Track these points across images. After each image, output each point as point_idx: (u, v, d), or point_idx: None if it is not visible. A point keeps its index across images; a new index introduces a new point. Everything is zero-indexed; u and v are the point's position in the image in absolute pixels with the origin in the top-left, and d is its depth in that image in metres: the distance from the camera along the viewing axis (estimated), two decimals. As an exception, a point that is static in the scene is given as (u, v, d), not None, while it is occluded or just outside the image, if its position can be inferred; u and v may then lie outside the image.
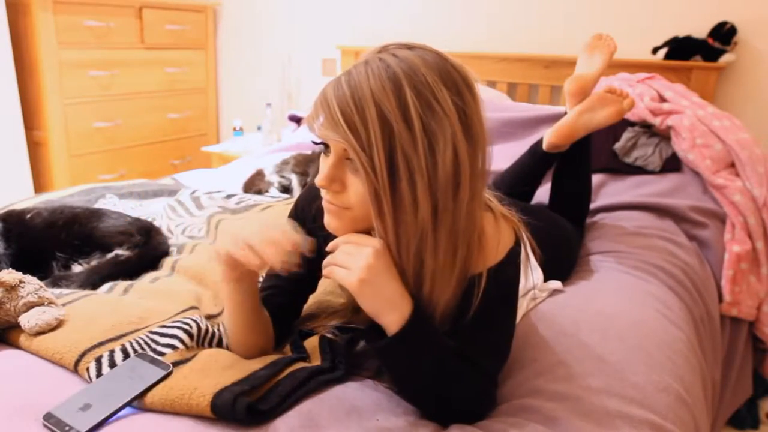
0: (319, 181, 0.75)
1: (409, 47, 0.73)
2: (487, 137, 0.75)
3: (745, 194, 1.69)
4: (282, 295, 0.97)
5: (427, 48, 0.74)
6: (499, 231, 0.82)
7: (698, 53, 2.13)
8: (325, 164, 0.75)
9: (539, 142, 1.53)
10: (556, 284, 1.26)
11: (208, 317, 1.03)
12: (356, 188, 0.73)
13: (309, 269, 0.89)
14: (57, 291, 1.06)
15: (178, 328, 0.92)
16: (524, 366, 0.96)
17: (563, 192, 1.56)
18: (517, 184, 1.55)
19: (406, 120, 0.68)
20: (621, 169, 1.88)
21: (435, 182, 0.70)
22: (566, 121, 1.47)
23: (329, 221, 0.78)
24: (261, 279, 1.01)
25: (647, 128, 1.93)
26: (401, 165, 0.69)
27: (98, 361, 0.84)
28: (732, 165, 1.78)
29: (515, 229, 0.85)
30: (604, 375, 0.92)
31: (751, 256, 1.64)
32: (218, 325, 1.01)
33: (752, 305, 1.63)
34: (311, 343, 0.93)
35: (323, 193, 0.77)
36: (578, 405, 0.85)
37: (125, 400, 0.77)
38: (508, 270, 0.82)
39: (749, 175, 1.71)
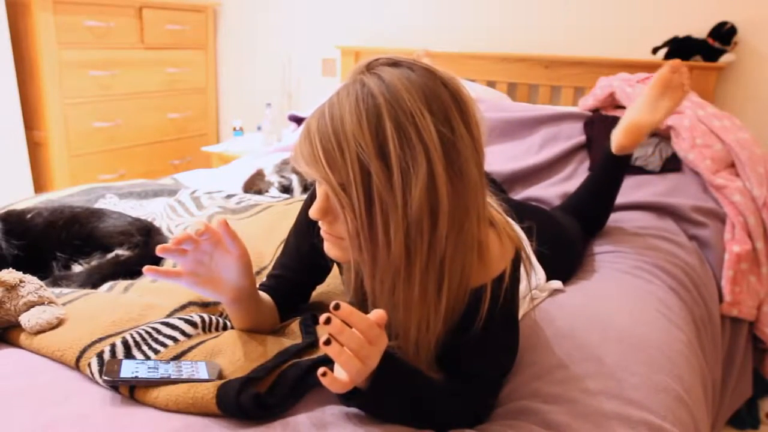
0: (312, 213, 0.74)
1: (396, 63, 0.70)
2: (481, 163, 0.72)
3: (745, 194, 1.69)
4: (289, 285, 1.00)
5: (416, 65, 0.70)
6: (502, 246, 0.82)
7: (698, 53, 2.13)
8: (319, 194, 0.74)
9: (607, 152, 1.49)
10: (556, 284, 1.26)
11: (206, 305, 1.04)
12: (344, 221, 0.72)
13: (316, 260, 0.92)
14: (57, 290, 1.06)
15: (181, 319, 0.93)
16: (523, 369, 0.96)
17: (593, 191, 1.55)
18: (593, 203, 1.55)
19: (383, 157, 0.66)
20: (621, 169, 1.88)
21: (408, 219, 0.68)
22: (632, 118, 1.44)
23: (329, 249, 0.78)
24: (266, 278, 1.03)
25: (647, 128, 1.93)
26: (377, 203, 0.68)
27: (100, 356, 0.84)
28: (732, 165, 1.78)
29: (516, 243, 0.84)
30: (603, 376, 0.92)
31: (751, 256, 1.64)
32: (219, 312, 1.03)
33: (752, 305, 1.63)
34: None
35: (320, 222, 0.77)
36: (576, 407, 0.85)
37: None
38: (508, 283, 0.82)
39: (749, 175, 1.71)
